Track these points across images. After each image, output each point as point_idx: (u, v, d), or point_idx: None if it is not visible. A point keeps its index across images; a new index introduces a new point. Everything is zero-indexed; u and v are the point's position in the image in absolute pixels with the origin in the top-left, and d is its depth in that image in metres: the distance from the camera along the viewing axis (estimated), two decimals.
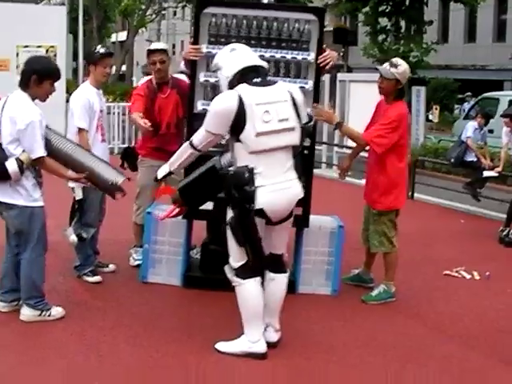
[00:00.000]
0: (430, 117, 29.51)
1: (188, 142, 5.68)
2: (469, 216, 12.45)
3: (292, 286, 6.84)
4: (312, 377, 5.29)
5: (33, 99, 5.88)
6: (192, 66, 6.83)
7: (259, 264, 5.59)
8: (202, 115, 6.56)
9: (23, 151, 5.74)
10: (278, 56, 6.78)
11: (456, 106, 35.98)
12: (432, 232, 10.78)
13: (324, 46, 6.85)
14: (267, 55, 6.73)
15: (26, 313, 6.03)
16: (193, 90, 6.85)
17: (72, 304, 6.46)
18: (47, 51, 17.48)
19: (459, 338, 6.30)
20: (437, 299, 7.39)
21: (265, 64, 5.65)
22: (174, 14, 39.39)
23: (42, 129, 5.79)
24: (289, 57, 6.82)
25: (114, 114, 18.38)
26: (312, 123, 6.04)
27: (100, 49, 7.25)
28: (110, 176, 6.19)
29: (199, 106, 6.84)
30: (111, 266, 7.58)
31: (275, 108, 5.37)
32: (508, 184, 15.34)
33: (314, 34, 6.80)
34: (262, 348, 5.58)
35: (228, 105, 5.34)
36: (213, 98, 6.61)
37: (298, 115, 5.51)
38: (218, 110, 5.41)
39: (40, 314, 6.03)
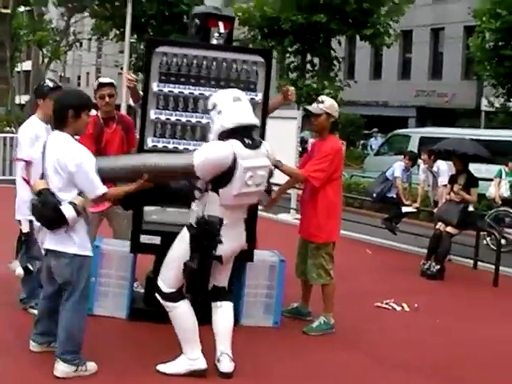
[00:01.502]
0: None
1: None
2: (385, 249, 12.89)
3: (236, 318, 7.02)
4: None
5: (72, 136, 5.66)
6: (143, 103, 6.98)
7: (202, 297, 5.90)
8: (152, 151, 6.79)
9: (78, 194, 5.54)
10: None
11: (362, 142, 36.80)
12: (352, 265, 11.05)
13: None
14: None
15: (62, 368, 5.67)
16: (143, 127, 6.97)
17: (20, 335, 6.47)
18: None
19: (400, 366, 6.60)
20: (373, 330, 7.68)
21: (258, 123, 5.88)
22: (81, 45, 39.23)
23: (93, 164, 5.54)
24: None
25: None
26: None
27: (49, 82, 7.23)
28: (184, 160, 5.72)
29: (149, 142, 6.97)
30: None
31: (258, 173, 5.69)
32: (422, 219, 15.86)
33: (261, 74, 7.06)
34: (203, 365, 5.85)
35: (225, 157, 5.51)
36: (163, 135, 6.89)
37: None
38: (213, 158, 5.51)
39: (76, 370, 5.69)
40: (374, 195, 13.66)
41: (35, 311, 7.10)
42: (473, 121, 34.11)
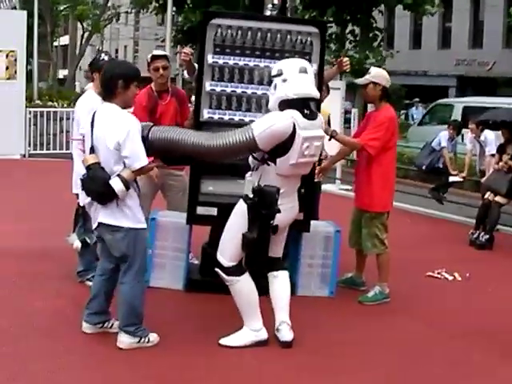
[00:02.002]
0: None
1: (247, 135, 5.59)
2: (431, 219, 12.85)
3: (292, 289, 7.08)
4: (336, 372, 5.57)
5: (122, 107, 5.65)
6: (198, 76, 7.02)
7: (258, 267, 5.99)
8: (208, 123, 6.83)
9: (124, 168, 5.51)
10: None
11: (402, 112, 36.57)
12: (400, 235, 11.03)
13: None
14: (272, 66, 6.95)
15: (125, 340, 5.71)
16: (199, 99, 7.03)
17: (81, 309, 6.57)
18: (7, 56, 17.48)
19: (458, 335, 6.62)
20: (427, 299, 7.71)
21: (318, 95, 5.90)
22: (118, 19, 39.34)
23: (139, 135, 5.54)
24: None
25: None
26: None
27: (105, 56, 7.31)
28: (240, 135, 5.61)
29: (205, 114, 7.01)
30: None
31: (314, 144, 5.72)
32: (467, 189, 15.75)
33: (316, 46, 7.06)
34: (265, 335, 5.95)
35: (286, 128, 5.55)
36: (219, 107, 6.92)
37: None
38: (275, 128, 5.54)
39: (139, 341, 5.73)
40: (424, 167, 13.59)
41: (91, 283, 7.23)
42: None
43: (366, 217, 7.44)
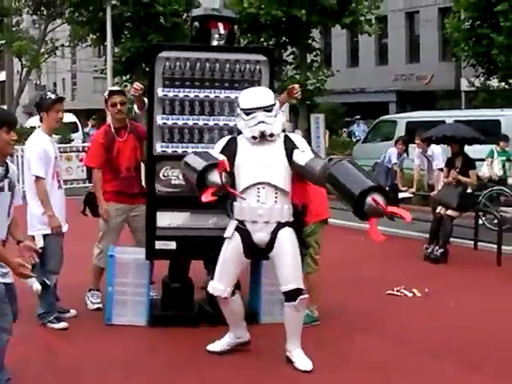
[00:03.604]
0: None
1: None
2: (386, 236, 12.81)
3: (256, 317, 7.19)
4: None
5: None
6: (149, 109, 6.99)
7: None
8: (161, 157, 6.81)
9: None
10: (232, 96, 6.99)
11: (346, 129, 36.86)
12: (353, 254, 11.15)
13: None
14: (222, 96, 6.99)
15: None
16: (151, 133, 6.99)
17: (48, 353, 6.48)
18: None
19: (426, 351, 6.66)
20: (390, 317, 7.77)
21: None
22: (55, 52, 39.00)
23: None
24: None
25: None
26: None
27: (51, 95, 7.21)
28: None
29: (158, 148, 6.99)
30: (72, 311, 7.58)
31: None
32: (415, 203, 15.86)
33: (265, 73, 7.08)
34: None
35: None
36: (171, 140, 6.92)
37: None
38: None
39: None
40: (387, 188, 13.57)
41: (54, 325, 7.13)
42: (453, 102, 34.18)
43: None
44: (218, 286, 6.14)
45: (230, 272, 6.12)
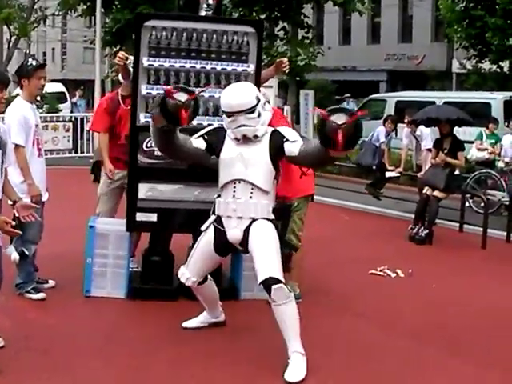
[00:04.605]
0: None
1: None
2: (367, 215, 12.91)
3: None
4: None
5: None
6: (134, 79, 6.87)
7: None
8: (144, 128, 6.68)
9: None
10: (218, 68, 6.90)
11: None
12: (338, 233, 11.11)
13: None
14: (208, 67, 6.87)
15: None
16: (135, 103, 6.88)
17: (24, 323, 6.38)
18: None
19: (407, 334, 6.61)
20: (373, 298, 7.70)
21: None
22: (44, 21, 38.55)
23: None
24: (229, 68, 6.95)
25: None
26: None
27: (32, 61, 7.02)
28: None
29: (142, 118, 6.87)
30: (51, 282, 7.48)
31: None
32: (402, 183, 15.81)
33: (253, 45, 6.95)
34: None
35: None
36: None
37: None
38: None
39: None
40: (374, 167, 13.50)
41: (31, 296, 7.04)
42: (444, 83, 34.16)
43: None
44: (185, 273, 6.05)
45: (198, 263, 5.99)
